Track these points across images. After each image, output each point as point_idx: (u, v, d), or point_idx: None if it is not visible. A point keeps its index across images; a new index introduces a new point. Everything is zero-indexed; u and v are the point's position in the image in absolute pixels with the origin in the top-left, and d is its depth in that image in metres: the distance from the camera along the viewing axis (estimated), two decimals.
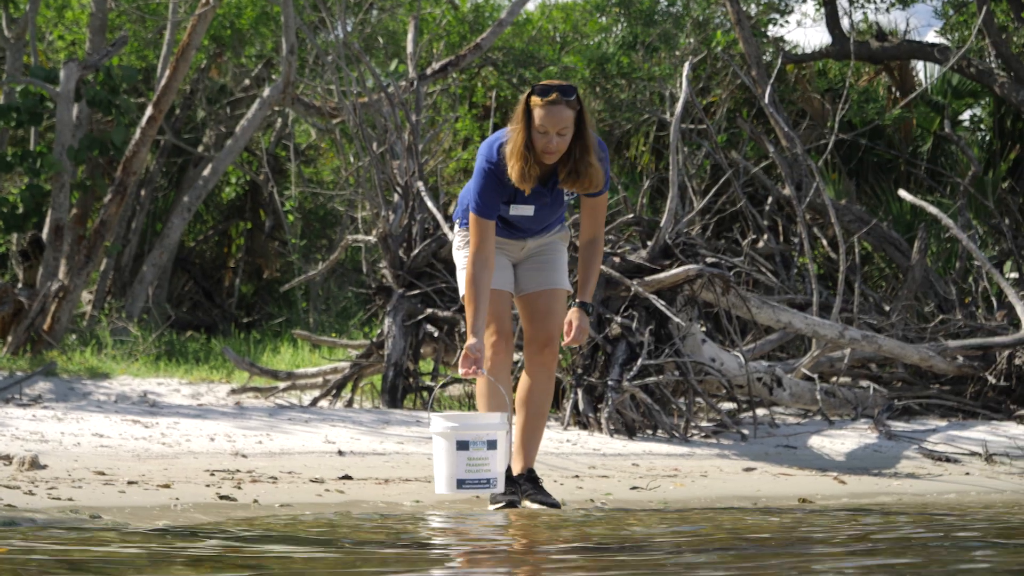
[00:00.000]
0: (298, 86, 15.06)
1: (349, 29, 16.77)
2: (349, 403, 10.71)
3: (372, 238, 10.99)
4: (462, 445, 5.34)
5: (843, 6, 16.37)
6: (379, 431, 8.28)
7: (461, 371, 5.42)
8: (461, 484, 5.35)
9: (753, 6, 16.40)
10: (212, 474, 6.17)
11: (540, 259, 5.89)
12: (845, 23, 16.17)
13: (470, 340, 5.45)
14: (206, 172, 15.33)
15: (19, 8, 15.96)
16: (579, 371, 9.29)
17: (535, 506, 5.66)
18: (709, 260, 9.72)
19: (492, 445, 5.38)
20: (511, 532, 4.91)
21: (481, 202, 5.57)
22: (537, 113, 5.44)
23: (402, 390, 10.15)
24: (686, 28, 16.00)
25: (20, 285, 13.64)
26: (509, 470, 5.73)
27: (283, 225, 18.08)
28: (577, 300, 5.82)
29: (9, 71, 14.98)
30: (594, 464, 7.56)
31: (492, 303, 5.64)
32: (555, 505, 5.68)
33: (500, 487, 5.44)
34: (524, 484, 5.75)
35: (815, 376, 10.32)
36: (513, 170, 5.49)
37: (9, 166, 14.02)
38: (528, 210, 5.69)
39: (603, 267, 9.36)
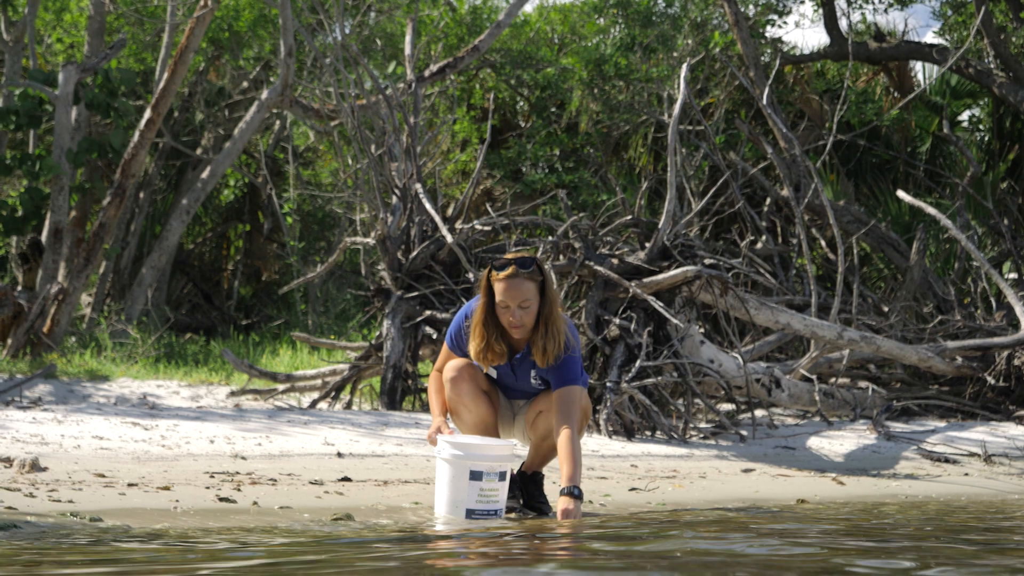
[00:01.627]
0: (296, 88, 15.07)
1: (347, 31, 16.78)
2: (348, 405, 10.72)
3: (371, 240, 11.00)
4: (475, 475, 5.32)
5: (841, 7, 16.40)
6: (378, 433, 8.29)
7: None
8: (471, 514, 5.31)
9: (751, 7, 16.41)
10: (212, 476, 6.18)
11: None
12: (843, 24, 16.20)
13: (435, 419, 5.56)
14: (205, 174, 15.33)
15: (18, 11, 15.97)
16: None
17: (530, 513, 5.68)
18: (707, 261, 9.73)
19: (503, 477, 5.37)
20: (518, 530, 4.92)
21: (451, 340, 5.68)
22: (497, 288, 5.42)
23: (401, 392, 10.15)
24: (684, 29, 16.01)
25: (19, 288, 13.64)
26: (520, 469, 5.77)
27: (282, 227, 18.09)
28: (562, 486, 5.30)
29: (8, 74, 14.98)
30: (593, 465, 7.57)
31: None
32: (545, 513, 5.68)
33: (502, 515, 5.43)
34: (528, 486, 5.76)
35: (814, 377, 10.33)
36: (472, 345, 5.52)
37: (8, 169, 14.03)
38: (493, 372, 5.67)
39: (601, 268, 9.38)
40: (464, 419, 5.61)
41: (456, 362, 5.61)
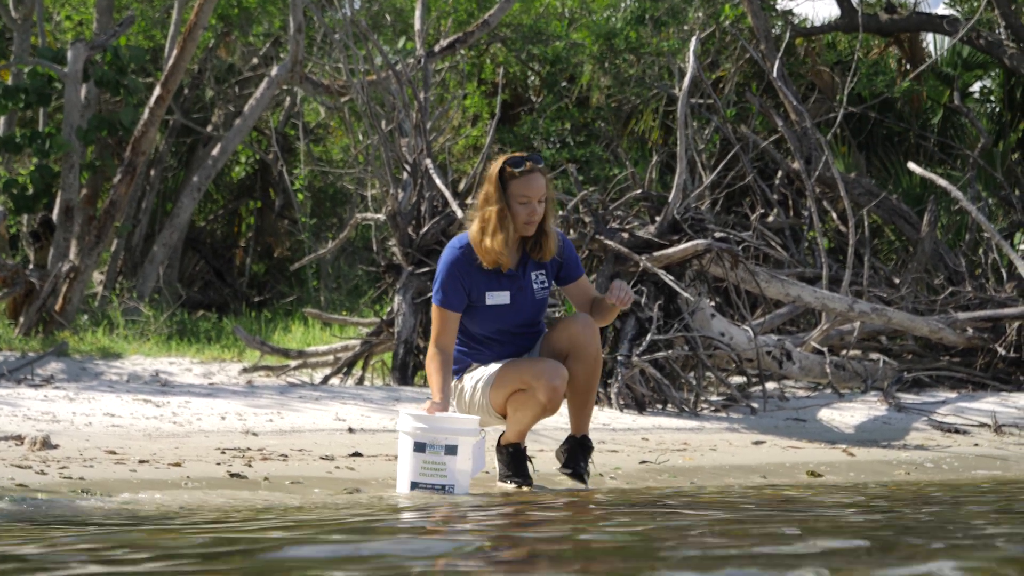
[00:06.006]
0: (306, 64, 15.06)
1: (356, 7, 16.76)
2: (360, 381, 10.74)
3: (381, 216, 11.01)
4: (419, 447, 5.29)
5: None
6: (389, 408, 8.31)
7: None
8: (415, 487, 5.30)
9: None
10: (223, 452, 6.20)
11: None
12: None
13: (435, 397, 5.44)
14: (215, 152, 15.35)
15: None
16: None
17: (563, 477, 5.73)
18: (718, 235, 9.72)
19: (451, 450, 5.28)
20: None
21: (445, 296, 5.54)
22: (516, 184, 5.46)
23: (412, 367, 10.17)
24: (694, 2, 15.95)
25: (31, 266, 13.68)
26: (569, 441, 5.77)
27: (293, 204, 18.10)
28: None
29: (17, 52, 14.99)
30: (604, 439, 7.58)
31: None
32: (582, 481, 5.71)
33: (461, 494, 5.33)
34: (573, 448, 5.76)
35: (825, 349, 10.33)
36: (495, 243, 5.47)
37: (18, 147, 14.04)
38: (504, 297, 5.58)
39: (611, 242, 9.38)
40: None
41: (556, 364, 5.50)
